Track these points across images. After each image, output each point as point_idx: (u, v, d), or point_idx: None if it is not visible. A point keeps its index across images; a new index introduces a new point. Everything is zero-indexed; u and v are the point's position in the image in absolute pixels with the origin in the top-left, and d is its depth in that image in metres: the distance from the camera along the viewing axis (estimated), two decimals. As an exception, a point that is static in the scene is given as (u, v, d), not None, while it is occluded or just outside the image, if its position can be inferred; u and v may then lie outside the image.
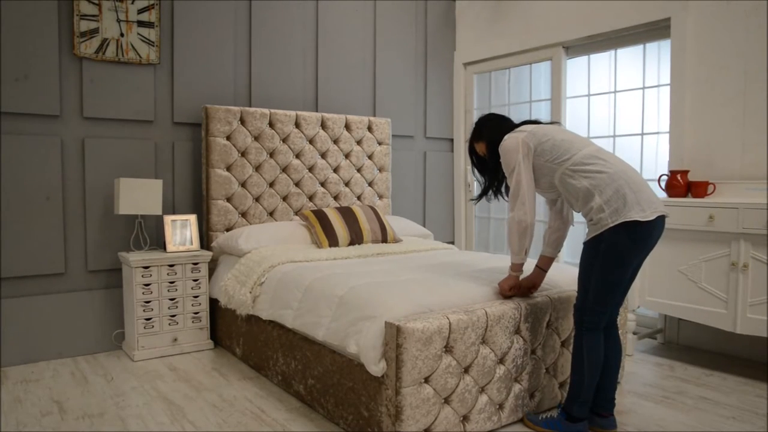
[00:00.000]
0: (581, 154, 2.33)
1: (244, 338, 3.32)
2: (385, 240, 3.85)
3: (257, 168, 3.93)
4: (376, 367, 2.20)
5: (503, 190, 2.64)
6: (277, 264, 3.15)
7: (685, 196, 3.50)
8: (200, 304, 3.58)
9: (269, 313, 2.96)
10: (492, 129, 2.58)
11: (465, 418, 2.35)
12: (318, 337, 2.55)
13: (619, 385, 2.98)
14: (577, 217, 2.86)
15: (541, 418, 2.47)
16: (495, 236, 5.13)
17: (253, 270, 3.21)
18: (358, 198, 4.40)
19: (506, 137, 2.47)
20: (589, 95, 4.42)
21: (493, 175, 2.63)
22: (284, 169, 4.05)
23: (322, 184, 4.23)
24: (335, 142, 4.27)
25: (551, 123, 2.59)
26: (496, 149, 2.52)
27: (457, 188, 5.18)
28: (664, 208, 2.27)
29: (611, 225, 2.19)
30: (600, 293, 2.29)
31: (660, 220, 2.25)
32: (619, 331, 2.55)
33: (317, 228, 3.65)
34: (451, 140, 5.19)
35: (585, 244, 2.32)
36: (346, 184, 4.35)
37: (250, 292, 3.12)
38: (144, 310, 3.38)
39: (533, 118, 2.64)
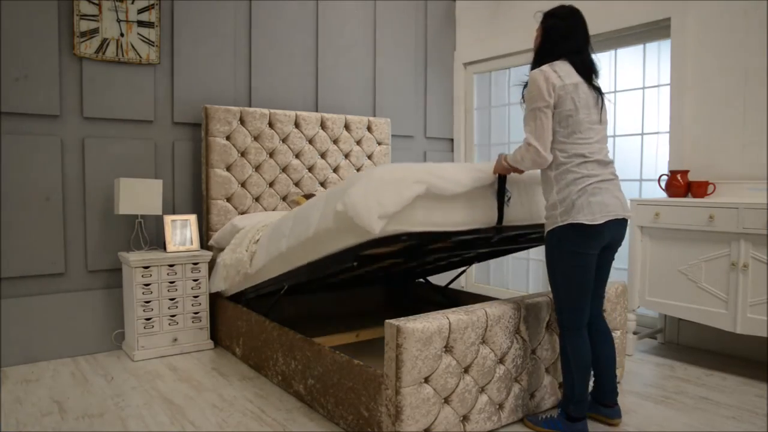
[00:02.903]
0: (580, 150, 2.26)
1: (244, 338, 3.32)
2: None
3: (257, 168, 3.93)
4: (376, 222, 2.10)
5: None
6: (269, 223, 3.20)
7: (685, 196, 3.50)
8: (200, 304, 3.58)
9: (265, 259, 2.94)
10: (558, 22, 2.33)
11: (465, 418, 2.35)
12: (310, 233, 2.51)
13: (618, 384, 2.98)
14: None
15: (541, 419, 2.48)
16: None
17: (247, 234, 3.27)
18: (358, 198, 4.40)
19: (542, 69, 2.27)
20: (589, 95, 4.41)
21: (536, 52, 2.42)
22: (284, 169, 4.05)
23: (322, 184, 4.23)
24: (335, 142, 4.27)
25: (599, 94, 2.34)
26: (544, 46, 2.35)
27: (457, 188, 5.17)
28: (622, 211, 2.28)
29: (560, 224, 2.24)
30: (569, 293, 2.32)
31: (612, 224, 2.26)
32: (606, 322, 2.57)
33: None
34: (451, 140, 5.19)
35: (545, 240, 2.36)
36: (346, 184, 4.35)
37: (246, 250, 3.14)
38: (144, 310, 3.38)
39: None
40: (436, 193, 2.23)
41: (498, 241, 2.88)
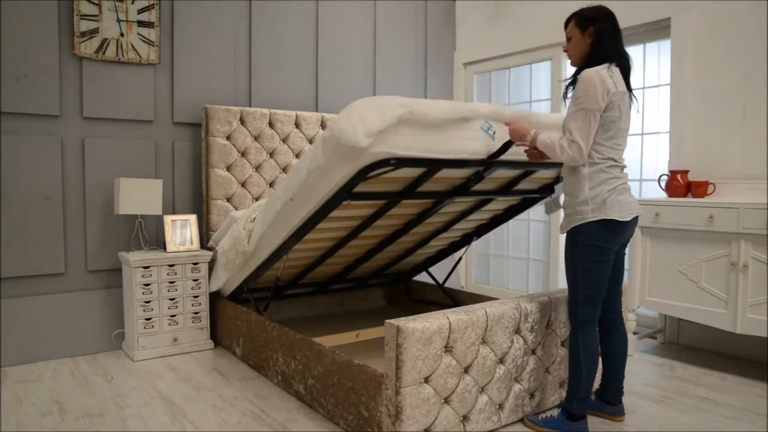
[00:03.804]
0: (613, 154, 2.33)
1: (244, 338, 3.32)
2: None
3: (257, 168, 3.93)
4: (363, 139, 2.14)
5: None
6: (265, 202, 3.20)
7: (685, 196, 3.50)
8: (200, 304, 3.58)
9: (262, 228, 2.94)
10: (603, 26, 2.33)
11: (465, 418, 2.35)
12: (302, 178, 2.53)
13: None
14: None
15: (542, 418, 2.48)
16: (495, 236, 5.13)
17: (244, 216, 3.28)
18: (358, 198, 4.40)
19: (599, 71, 2.25)
20: (589, 95, 4.41)
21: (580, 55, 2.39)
22: (284, 169, 4.04)
23: (322, 184, 4.22)
24: (335, 142, 4.27)
25: (632, 94, 2.40)
26: (597, 49, 2.33)
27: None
28: (639, 209, 2.41)
29: (590, 219, 2.30)
30: (587, 285, 2.36)
31: (635, 219, 2.39)
32: (624, 321, 2.62)
33: None
34: (451, 140, 5.19)
35: (567, 235, 2.41)
36: (346, 184, 4.34)
37: (244, 229, 3.15)
38: (144, 310, 3.38)
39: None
40: (418, 117, 2.26)
41: (493, 191, 2.93)
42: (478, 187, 2.83)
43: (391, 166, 2.25)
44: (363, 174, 2.29)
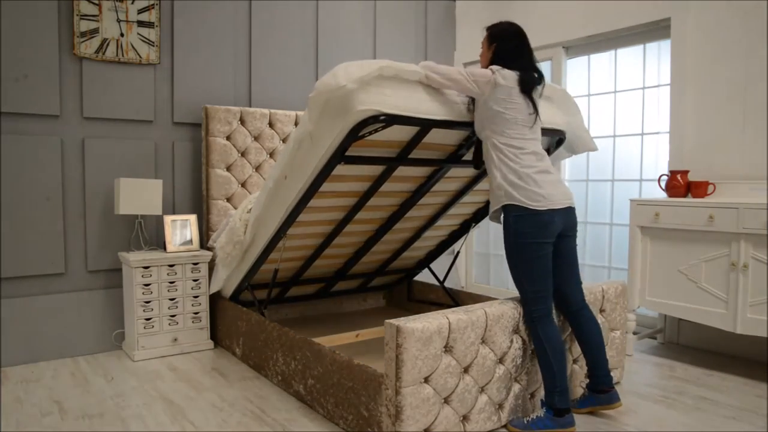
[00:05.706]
0: (514, 143, 2.40)
1: (244, 338, 3.32)
2: None
3: (257, 168, 3.93)
4: (347, 83, 2.18)
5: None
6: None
7: (685, 196, 3.50)
8: (200, 304, 3.58)
9: (257, 207, 2.95)
10: (505, 45, 2.51)
11: (465, 418, 2.35)
12: (291, 148, 2.55)
13: (618, 385, 2.99)
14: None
15: (527, 421, 2.44)
16: (495, 237, 5.13)
17: (240, 208, 3.28)
18: (358, 198, 4.40)
19: (493, 68, 2.43)
20: (589, 95, 4.42)
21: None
22: (284, 169, 4.05)
23: (322, 184, 4.22)
24: (335, 142, 4.27)
25: (534, 105, 2.46)
26: (491, 60, 2.52)
27: (457, 188, 5.18)
28: (566, 200, 2.44)
29: (506, 203, 2.37)
30: (531, 283, 2.42)
31: (566, 210, 2.43)
32: (590, 309, 2.64)
33: None
34: (451, 140, 5.19)
35: (503, 237, 2.45)
36: (346, 184, 4.35)
37: (240, 219, 3.16)
38: (144, 310, 3.38)
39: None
40: (399, 72, 2.31)
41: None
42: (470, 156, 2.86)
43: (381, 123, 2.27)
44: (354, 133, 2.29)
